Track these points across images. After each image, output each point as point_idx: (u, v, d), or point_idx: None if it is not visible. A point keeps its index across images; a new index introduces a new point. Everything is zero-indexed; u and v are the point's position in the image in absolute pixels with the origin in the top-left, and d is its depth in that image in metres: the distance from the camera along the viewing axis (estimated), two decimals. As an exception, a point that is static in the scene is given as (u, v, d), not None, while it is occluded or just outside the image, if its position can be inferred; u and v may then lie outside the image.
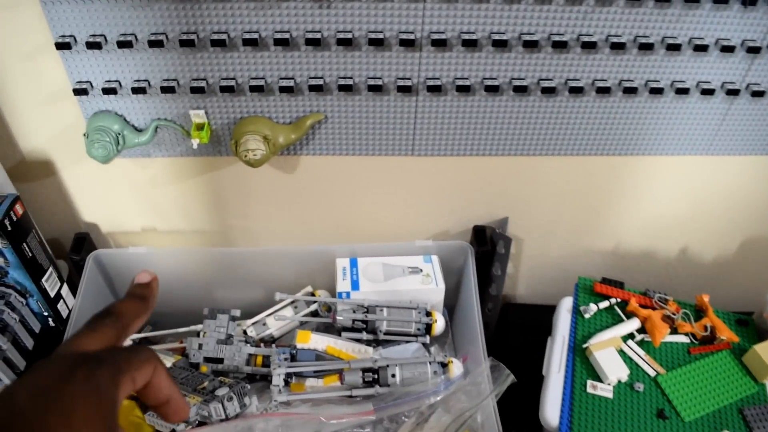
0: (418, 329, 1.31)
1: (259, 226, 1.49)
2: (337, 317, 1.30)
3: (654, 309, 1.43)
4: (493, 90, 1.20)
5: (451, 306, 1.50)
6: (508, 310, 1.70)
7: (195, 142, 1.22)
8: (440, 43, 1.12)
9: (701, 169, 1.43)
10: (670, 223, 1.56)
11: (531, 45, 1.14)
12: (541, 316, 1.45)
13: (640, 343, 1.40)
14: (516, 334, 1.64)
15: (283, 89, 1.17)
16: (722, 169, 1.43)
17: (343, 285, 1.36)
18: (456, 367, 1.21)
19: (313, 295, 1.45)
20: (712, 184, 1.47)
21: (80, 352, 0.35)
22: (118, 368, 0.34)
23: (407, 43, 1.12)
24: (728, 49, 1.18)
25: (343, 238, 1.49)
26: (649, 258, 1.63)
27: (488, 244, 1.44)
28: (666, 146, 1.36)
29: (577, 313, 1.43)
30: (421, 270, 1.42)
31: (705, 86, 1.25)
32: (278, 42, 1.10)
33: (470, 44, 1.12)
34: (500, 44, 1.13)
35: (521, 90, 1.20)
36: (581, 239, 1.57)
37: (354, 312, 1.30)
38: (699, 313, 1.48)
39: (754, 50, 1.19)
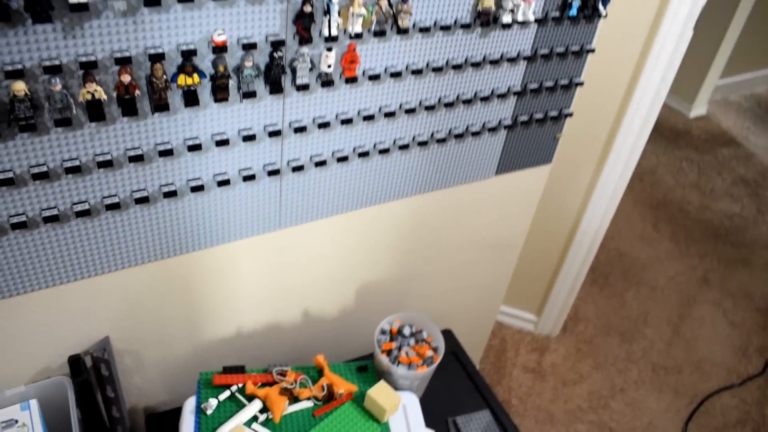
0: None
1: None
2: None
3: (274, 384, 1.47)
4: (21, 226, 1.14)
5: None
6: (156, 422, 1.64)
7: None
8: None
9: (294, 238, 1.52)
10: (285, 295, 1.63)
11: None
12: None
13: (266, 423, 1.42)
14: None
15: None
16: (313, 234, 1.54)
17: None
18: None
19: None
20: (307, 250, 1.57)
21: None
22: None
23: None
24: (250, 138, 1.27)
25: None
26: (274, 331, 1.69)
27: (86, 372, 1.37)
28: (244, 229, 1.42)
29: (201, 411, 1.41)
30: (17, 421, 1.29)
31: (246, 173, 1.32)
32: None
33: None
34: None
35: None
36: (201, 334, 1.57)
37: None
38: (322, 372, 1.55)
39: (275, 134, 1.30)
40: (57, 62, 1.02)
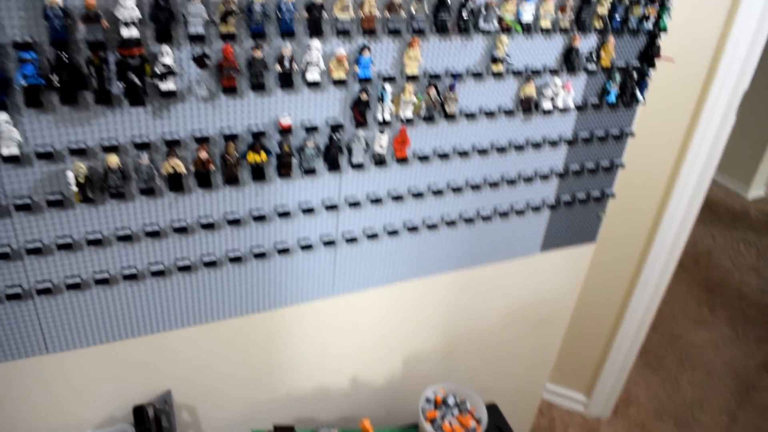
0: None
1: None
2: None
3: (322, 445, 1.54)
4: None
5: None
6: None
7: None
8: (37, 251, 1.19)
9: (345, 306, 1.62)
10: (336, 360, 1.72)
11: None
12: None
13: (313, 482, 1.48)
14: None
15: None
16: (363, 302, 1.64)
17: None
18: None
19: None
20: (357, 318, 1.67)
21: None
22: None
23: (5, 257, 1.18)
24: (309, 211, 1.40)
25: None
26: (323, 394, 1.77)
27: (149, 422, 1.47)
28: (299, 295, 1.53)
29: (251, 467, 1.49)
30: (85, 465, 1.40)
31: (304, 242, 1.44)
32: None
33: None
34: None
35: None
36: (254, 393, 1.66)
37: None
38: (367, 436, 1.62)
39: (332, 208, 1.42)
40: (146, 139, 1.18)
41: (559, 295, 1.98)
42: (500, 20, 1.36)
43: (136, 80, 1.09)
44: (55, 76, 1.07)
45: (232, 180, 1.28)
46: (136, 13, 1.06)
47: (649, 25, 1.59)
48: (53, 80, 1.07)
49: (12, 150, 1.11)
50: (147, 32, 1.09)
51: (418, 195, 1.50)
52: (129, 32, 1.08)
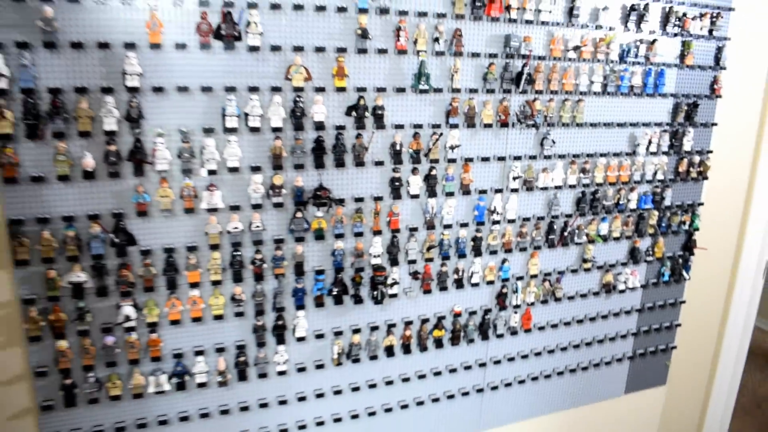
0: None
1: None
2: None
3: None
4: None
5: None
6: None
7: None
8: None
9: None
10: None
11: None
12: None
13: None
14: None
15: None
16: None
17: None
18: None
19: None
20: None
21: None
22: None
23: (264, 406, 1.86)
24: (468, 368, 2.07)
25: None
26: None
27: None
28: (457, 428, 2.16)
29: None
30: None
31: (463, 390, 2.10)
32: None
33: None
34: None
35: None
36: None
37: None
38: None
39: (482, 365, 2.10)
40: (376, 324, 1.91)
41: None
42: (587, 235, 2.11)
43: (383, 290, 1.84)
44: (333, 288, 1.82)
45: (423, 348, 1.98)
46: (381, 250, 1.84)
47: (686, 227, 2.32)
48: (333, 291, 1.82)
49: (302, 333, 1.84)
50: (384, 259, 1.86)
51: (538, 354, 2.17)
52: (376, 260, 1.84)
